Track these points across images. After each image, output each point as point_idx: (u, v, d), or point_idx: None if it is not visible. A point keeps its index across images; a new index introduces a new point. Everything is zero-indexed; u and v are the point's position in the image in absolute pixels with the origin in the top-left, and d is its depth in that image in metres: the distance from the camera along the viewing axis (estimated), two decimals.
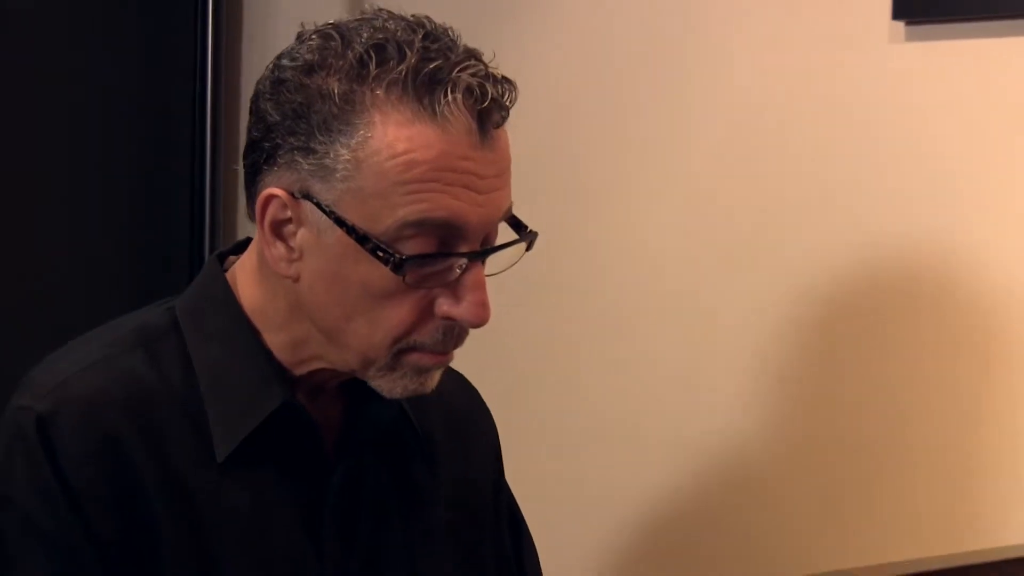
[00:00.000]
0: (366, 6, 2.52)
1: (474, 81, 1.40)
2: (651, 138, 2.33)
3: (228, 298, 1.54)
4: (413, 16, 1.45)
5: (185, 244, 2.59)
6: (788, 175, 2.20)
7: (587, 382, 2.39)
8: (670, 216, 2.31)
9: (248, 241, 1.57)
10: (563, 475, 2.39)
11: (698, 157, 2.28)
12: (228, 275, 1.56)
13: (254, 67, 2.73)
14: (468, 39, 1.49)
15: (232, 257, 1.58)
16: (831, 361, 2.17)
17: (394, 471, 1.61)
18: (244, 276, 1.54)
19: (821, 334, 2.18)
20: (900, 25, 2.09)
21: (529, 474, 2.08)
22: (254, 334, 1.52)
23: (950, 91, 2.07)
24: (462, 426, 1.72)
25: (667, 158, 2.31)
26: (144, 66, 2.61)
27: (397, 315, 1.44)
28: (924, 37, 2.08)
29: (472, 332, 1.59)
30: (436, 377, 1.50)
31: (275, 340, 1.52)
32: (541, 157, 2.41)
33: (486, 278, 1.47)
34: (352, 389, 1.55)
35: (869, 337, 2.13)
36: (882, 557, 1.96)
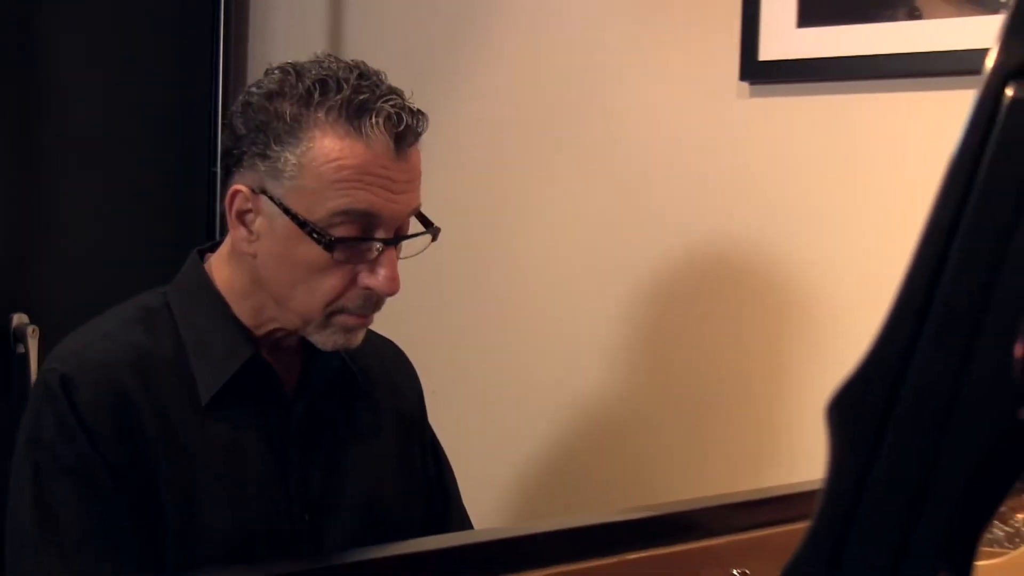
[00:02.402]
0: (346, 20, 2.55)
1: (393, 111, 1.43)
2: (557, 164, 2.33)
3: (206, 283, 1.55)
4: (353, 60, 1.48)
5: (203, 226, 2.57)
6: (657, 193, 2.20)
7: (499, 347, 2.38)
8: (565, 221, 2.31)
9: (221, 241, 1.60)
10: (477, 417, 2.38)
11: (592, 177, 2.28)
12: (205, 265, 1.58)
13: (257, 66, 2.68)
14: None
15: (209, 253, 1.60)
16: (680, 329, 2.18)
17: (343, 407, 1.62)
18: (218, 263, 1.57)
19: (673, 308, 2.19)
20: (745, 85, 2.11)
21: (451, 416, 2.10)
22: (226, 308, 1.54)
23: (782, 133, 2.09)
24: (393, 375, 1.73)
25: (567, 176, 2.30)
26: (173, 70, 2.57)
27: (329, 284, 1.46)
28: (762, 94, 2.10)
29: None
30: (360, 335, 1.53)
31: (242, 309, 1.53)
32: (474, 175, 2.44)
33: (401, 259, 1.51)
34: (307, 346, 1.57)
35: (709, 315, 2.14)
36: (722, 488, 1.98)
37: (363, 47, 2.57)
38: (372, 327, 1.58)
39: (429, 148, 2.46)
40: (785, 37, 2.05)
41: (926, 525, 0.44)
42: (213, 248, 1.60)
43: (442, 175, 2.43)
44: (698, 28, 2.17)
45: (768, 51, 2.07)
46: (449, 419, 1.97)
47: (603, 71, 2.28)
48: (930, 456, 0.44)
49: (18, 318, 2.19)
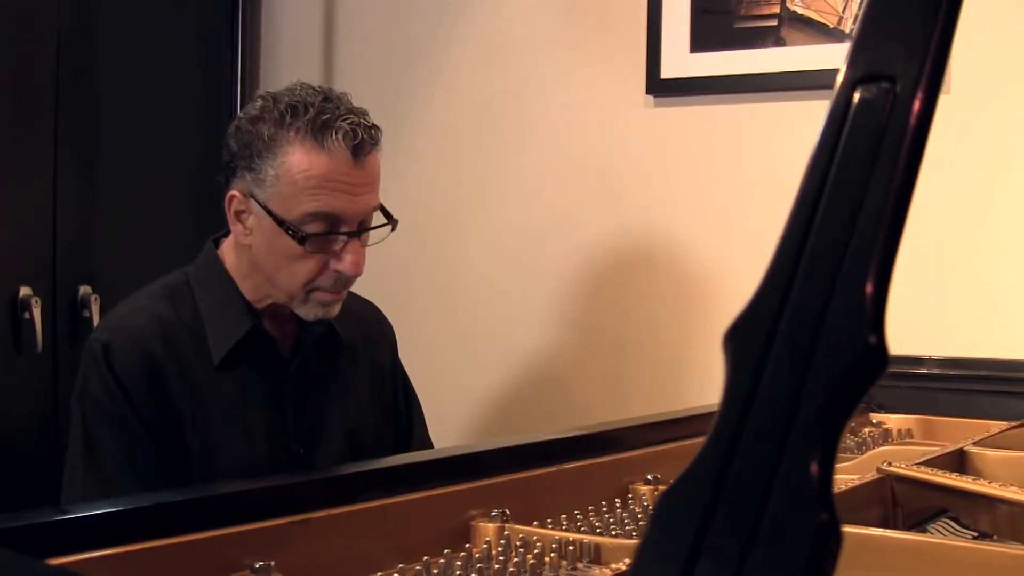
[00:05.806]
0: (339, 40, 2.52)
1: (350, 127, 1.41)
2: (506, 163, 2.32)
3: (218, 265, 1.53)
4: (320, 87, 1.46)
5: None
6: (581, 184, 2.20)
7: (463, 306, 2.38)
8: (509, 210, 2.30)
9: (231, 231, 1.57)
10: (447, 362, 2.37)
11: (529, 173, 2.28)
12: (219, 251, 1.55)
13: (269, 70, 2.66)
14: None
15: (223, 239, 1.57)
16: (603, 290, 2.19)
17: (329, 363, 1.60)
18: (227, 249, 1.54)
19: (597, 274, 2.19)
20: (651, 97, 2.11)
21: (425, 362, 2.08)
22: (234, 286, 1.51)
23: (680, 135, 2.10)
24: (371, 330, 1.69)
25: (512, 173, 2.30)
26: (203, 95, 2.53)
27: (306, 269, 1.45)
28: (664, 105, 2.11)
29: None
30: (336, 307, 1.50)
31: (245, 287, 1.51)
32: (438, 178, 2.42)
33: (370, 245, 1.49)
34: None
35: (624, 279, 2.15)
36: (637, 412, 1.99)
37: (351, 79, 2.55)
38: (356, 290, 1.56)
39: (408, 149, 2.45)
40: (681, 60, 2.06)
41: (799, 423, 0.44)
42: (226, 235, 1.58)
43: (425, 171, 2.42)
44: (612, 52, 2.17)
45: (668, 71, 2.08)
46: (424, 364, 1.96)
47: (537, 87, 2.28)
48: (802, 371, 0.45)
49: (84, 289, 2.20)
